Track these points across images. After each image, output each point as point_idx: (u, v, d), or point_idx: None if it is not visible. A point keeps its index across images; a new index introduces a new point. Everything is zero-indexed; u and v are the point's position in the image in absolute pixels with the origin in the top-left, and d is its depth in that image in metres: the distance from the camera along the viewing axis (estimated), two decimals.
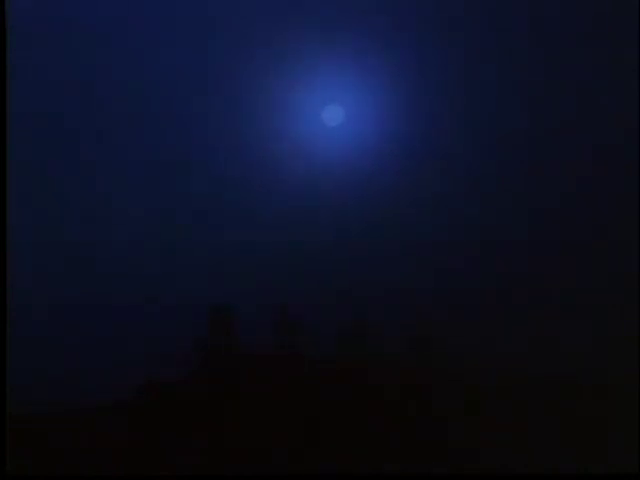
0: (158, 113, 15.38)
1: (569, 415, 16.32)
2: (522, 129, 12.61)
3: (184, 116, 15.34)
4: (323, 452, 13.74)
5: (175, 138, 15.37)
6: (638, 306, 15.69)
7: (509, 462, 15.45)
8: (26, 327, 15.21)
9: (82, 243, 15.46)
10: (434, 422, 16.42)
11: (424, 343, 18.47)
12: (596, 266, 16.61)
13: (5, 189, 6.21)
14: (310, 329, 16.93)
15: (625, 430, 15.38)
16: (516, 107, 12.81)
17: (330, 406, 15.61)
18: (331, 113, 12.64)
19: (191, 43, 15.06)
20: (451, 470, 14.78)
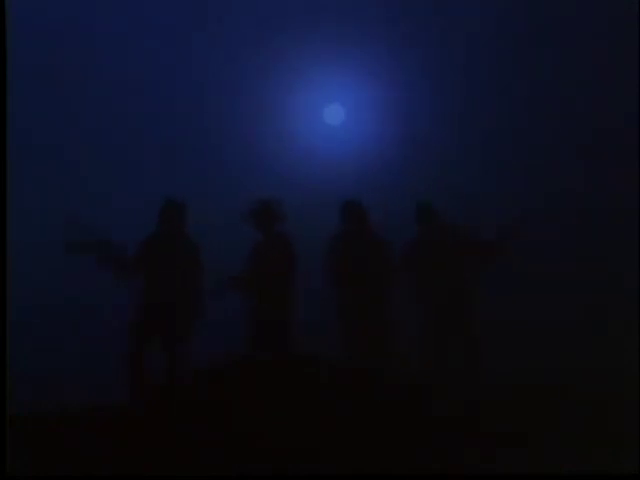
0: (157, 113, 15.41)
1: (568, 414, 16.37)
2: (523, 130, 12.62)
3: (183, 116, 15.38)
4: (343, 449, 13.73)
5: (174, 138, 15.40)
6: (638, 306, 15.80)
7: (509, 462, 15.45)
8: (26, 326, 15.07)
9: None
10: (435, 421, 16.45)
11: None
12: (595, 265, 16.71)
13: (5, 188, 6.17)
14: None
15: (625, 430, 15.42)
16: (517, 108, 12.82)
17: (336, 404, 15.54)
18: (332, 112, 12.64)
19: (191, 42, 15.06)
20: (450, 470, 14.76)
